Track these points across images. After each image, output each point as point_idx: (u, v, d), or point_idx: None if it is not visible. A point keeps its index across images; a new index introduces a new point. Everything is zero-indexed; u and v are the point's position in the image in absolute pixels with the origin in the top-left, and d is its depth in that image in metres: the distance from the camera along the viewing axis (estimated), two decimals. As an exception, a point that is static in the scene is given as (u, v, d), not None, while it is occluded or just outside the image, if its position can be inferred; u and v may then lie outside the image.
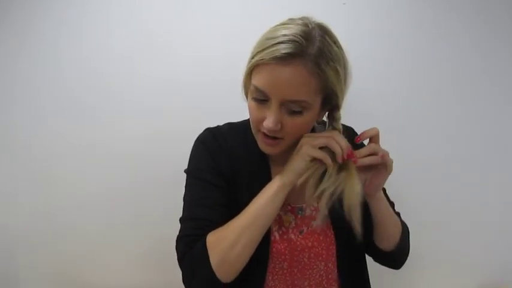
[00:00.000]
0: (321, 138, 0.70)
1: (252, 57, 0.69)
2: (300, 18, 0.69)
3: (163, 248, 1.29)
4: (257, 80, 0.67)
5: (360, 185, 0.70)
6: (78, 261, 1.35)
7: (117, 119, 1.28)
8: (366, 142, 0.76)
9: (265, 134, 0.71)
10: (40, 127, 1.30)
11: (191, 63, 1.24)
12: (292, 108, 0.67)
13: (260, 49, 0.66)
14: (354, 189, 0.69)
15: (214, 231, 0.72)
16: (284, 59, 0.64)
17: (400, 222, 0.82)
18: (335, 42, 0.69)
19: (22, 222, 1.34)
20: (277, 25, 0.69)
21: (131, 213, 1.32)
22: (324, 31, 0.68)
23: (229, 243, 0.68)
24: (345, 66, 0.69)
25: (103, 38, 1.25)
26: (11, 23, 1.26)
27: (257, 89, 0.68)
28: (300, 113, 0.68)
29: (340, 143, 0.70)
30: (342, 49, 0.69)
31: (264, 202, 0.71)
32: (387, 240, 0.79)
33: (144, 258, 1.35)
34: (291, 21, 0.69)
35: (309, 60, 0.64)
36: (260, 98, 0.68)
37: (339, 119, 0.75)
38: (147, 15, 1.24)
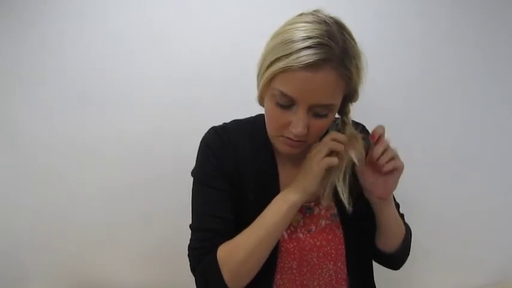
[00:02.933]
0: (323, 148, 0.70)
1: (273, 62, 0.64)
2: (312, 14, 0.67)
3: (167, 246, 1.29)
4: (284, 86, 0.64)
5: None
6: (81, 260, 1.35)
7: (120, 117, 1.27)
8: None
9: (288, 138, 0.69)
10: (42, 125, 1.29)
11: (197, 60, 1.24)
12: (319, 112, 0.66)
13: (284, 54, 0.62)
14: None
15: (225, 246, 0.72)
16: (314, 65, 0.61)
17: (403, 225, 0.81)
18: (352, 37, 0.67)
19: (25, 221, 1.34)
20: (293, 24, 0.65)
21: (135, 212, 1.31)
22: (341, 27, 0.66)
23: (240, 260, 0.69)
24: (362, 61, 0.68)
25: (106, 34, 1.24)
26: (16, 20, 1.25)
27: (283, 95, 0.65)
28: (325, 115, 0.67)
29: (340, 140, 0.70)
30: (356, 42, 0.68)
31: (274, 221, 0.70)
32: (390, 243, 0.79)
33: (148, 257, 1.34)
34: (305, 17, 0.66)
35: (337, 62, 0.62)
36: (285, 104, 0.66)
37: (349, 111, 0.74)
38: (152, 12, 1.23)
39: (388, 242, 0.79)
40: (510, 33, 1.25)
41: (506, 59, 1.26)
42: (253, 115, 0.85)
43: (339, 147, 0.70)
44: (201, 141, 0.82)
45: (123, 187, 1.30)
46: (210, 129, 0.83)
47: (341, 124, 0.75)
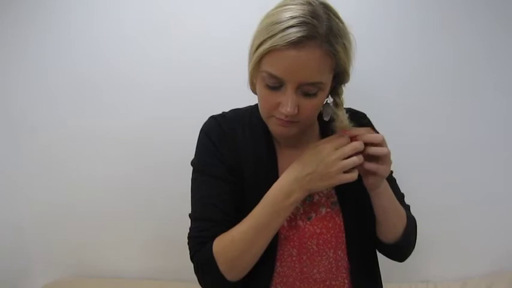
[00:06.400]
0: (349, 163, 0.66)
1: (260, 44, 0.66)
2: None
3: (169, 235, 1.30)
4: (271, 67, 0.65)
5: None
6: (84, 249, 1.38)
7: (121, 106, 1.29)
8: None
9: (279, 118, 0.70)
10: (44, 116, 1.31)
11: (198, 48, 1.24)
12: (308, 91, 0.66)
13: (269, 35, 0.64)
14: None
15: (220, 239, 0.72)
16: (299, 43, 0.62)
17: (405, 216, 0.79)
18: (338, 17, 0.68)
19: (29, 212, 1.36)
20: (278, 8, 0.67)
21: (136, 201, 1.33)
22: (327, 7, 0.67)
23: (236, 255, 0.70)
24: (350, 41, 0.68)
25: (109, 24, 1.26)
26: (19, 9, 1.26)
27: (271, 76, 0.66)
28: (315, 94, 0.67)
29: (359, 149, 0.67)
30: (344, 23, 0.68)
31: (272, 217, 0.70)
32: (389, 234, 0.78)
33: (150, 245, 1.37)
34: (291, 0, 0.67)
35: (322, 40, 0.63)
36: (274, 85, 0.67)
37: (342, 93, 0.74)
38: (156, 1, 1.24)
39: (387, 232, 0.78)
40: (509, 22, 1.23)
41: (506, 50, 1.24)
42: (253, 104, 0.85)
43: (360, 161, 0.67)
44: (200, 131, 0.82)
45: (124, 176, 1.32)
46: (209, 118, 0.83)
47: (334, 106, 0.75)
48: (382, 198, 0.74)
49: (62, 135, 1.31)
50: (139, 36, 1.25)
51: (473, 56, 1.24)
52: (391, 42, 1.23)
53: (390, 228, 0.78)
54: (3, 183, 1.34)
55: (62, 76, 1.29)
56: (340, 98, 0.74)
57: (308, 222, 0.78)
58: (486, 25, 1.22)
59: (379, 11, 1.22)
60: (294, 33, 0.62)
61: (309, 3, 0.65)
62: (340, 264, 0.80)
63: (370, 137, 0.68)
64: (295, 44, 0.62)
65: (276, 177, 0.77)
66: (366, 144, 0.68)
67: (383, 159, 0.68)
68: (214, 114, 0.84)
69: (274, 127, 0.73)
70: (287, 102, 0.66)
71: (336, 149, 0.67)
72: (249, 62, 0.71)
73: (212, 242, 0.72)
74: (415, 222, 0.84)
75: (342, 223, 0.78)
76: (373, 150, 0.67)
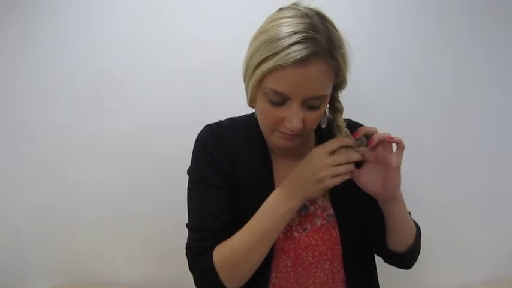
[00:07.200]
0: (342, 170, 0.67)
1: (261, 62, 0.64)
2: (292, 8, 0.67)
3: (167, 242, 1.30)
4: (275, 84, 0.64)
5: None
6: (81, 255, 1.37)
7: (120, 111, 1.28)
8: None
9: (284, 133, 0.69)
10: (42, 121, 1.31)
11: (198, 54, 1.24)
12: (313, 104, 0.67)
13: (271, 53, 0.62)
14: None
15: (220, 248, 0.72)
16: (304, 60, 0.62)
17: (414, 225, 0.80)
18: (334, 26, 0.67)
19: (26, 217, 1.36)
20: (274, 21, 0.65)
21: (134, 208, 1.32)
22: (322, 17, 0.67)
23: (236, 263, 0.71)
24: (346, 48, 0.68)
25: (110, 28, 1.25)
26: (18, 13, 1.26)
27: (276, 93, 0.65)
28: (318, 107, 0.68)
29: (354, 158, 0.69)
30: (339, 31, 0.68)
31: (270, 225, 0.70)
32: (400, 243, 0.78)
33: (148, 252, 1.36)
34: (286, 12, 0.66)
35: (325, 54, 0.63)
36: (278, 101, 0.66)
37: (338, 97, 0.74)
38: (154, 5, 1.24)
39: (399, 242, 0.78)
40: (507, 21, 1.22)
41: (504, 49, 1.23)
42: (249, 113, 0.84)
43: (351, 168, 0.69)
44: (196, 140, 0.82)
45: (123, 183, 1.31)
46: (204, 127, 0.83)
47: (332, 111, 0.75)
48: (398, 209, 0.74)
49: (60, 140, 1.31)
50: (140, 42, 1.24)
51: (473, 56, 1.23)
52: (390, 44, 1.22)
53: (403, 238, 0.78)
54: (1, 187, 1.34)
55: (62, 80, 1.28)
56: (339, 103, 0.74)
57: (304, 234, 0.77)
58: (484, 24, 1.21)
59: (377, 13, 1.21)
60: (299, 50, 0.61)
61: (307, 15, 0.64)
62: (336, 276, 0.79)
63: (369, 129, 0.70)
64: (301, 61, 0.61)
65: (271, 186, 0.77)
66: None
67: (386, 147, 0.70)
68: (211, 122, 0.83)
69: (277, 141, 0.72)
70: (293, 118, 0.66)
71: (328, 152, 0.68)
72: (248, 77, 0.70)
73: (211, 252, 0.72)
74: (419, 228, 0.83)
75: (338, 236, 0.78)
76: (377, 135, 0.69)
